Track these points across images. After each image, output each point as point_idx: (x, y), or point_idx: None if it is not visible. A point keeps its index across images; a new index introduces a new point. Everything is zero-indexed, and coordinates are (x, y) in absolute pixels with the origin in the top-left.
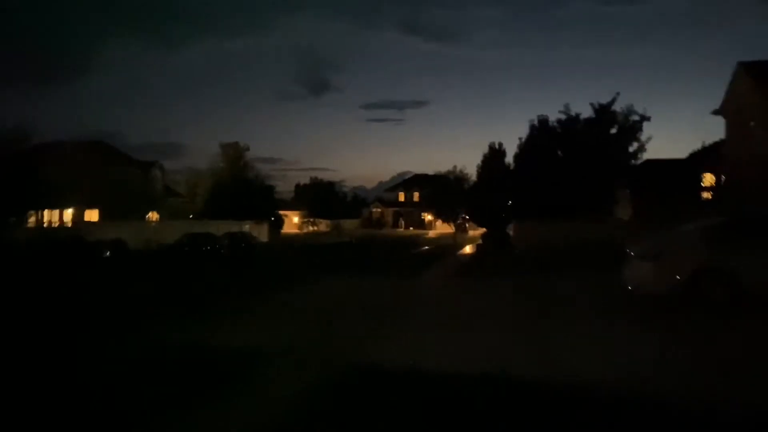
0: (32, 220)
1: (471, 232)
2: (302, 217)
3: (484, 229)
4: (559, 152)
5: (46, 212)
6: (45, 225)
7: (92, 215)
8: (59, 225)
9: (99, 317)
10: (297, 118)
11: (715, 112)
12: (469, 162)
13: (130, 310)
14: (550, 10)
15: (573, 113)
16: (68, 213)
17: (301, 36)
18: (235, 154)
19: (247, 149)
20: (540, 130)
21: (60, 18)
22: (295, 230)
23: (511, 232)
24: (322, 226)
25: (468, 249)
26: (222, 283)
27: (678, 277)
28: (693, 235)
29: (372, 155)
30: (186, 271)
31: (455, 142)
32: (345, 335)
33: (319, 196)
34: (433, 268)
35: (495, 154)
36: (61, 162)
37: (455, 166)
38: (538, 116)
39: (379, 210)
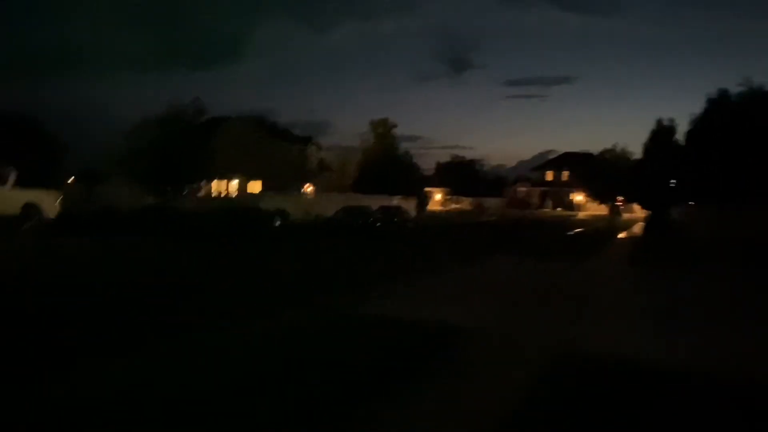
0: (205, 189)
1: (626, 215)
2: (444, 194)
3: (639, 212)
4: (743, 129)
5: (214, 183)
6: (214, 195)
7: (253, 186)
8: (226, 195)
9: (301, 284)
10: (438, 97)
11: None
12: (620, 141)
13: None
14: None
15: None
16: (233, 184)
17: (444, 15)
18: (383, 130)
19: (395, 126)
20: (718, 104)
21: (219, 3)
22: (437, 207)
23: (679, 217)
24: (465, 204)
25: (629, 233)
26: (392, 258)
27: None
28: None
29: (513, 133)
30: (353, 243)
31: (604, 120)
32: (538, 317)
33: (461, 174)
34: (598, 253)
35: (663, 131)
36: (228, 136)
37: (615, 144)
38: (719, 90)
39: (524, 189)
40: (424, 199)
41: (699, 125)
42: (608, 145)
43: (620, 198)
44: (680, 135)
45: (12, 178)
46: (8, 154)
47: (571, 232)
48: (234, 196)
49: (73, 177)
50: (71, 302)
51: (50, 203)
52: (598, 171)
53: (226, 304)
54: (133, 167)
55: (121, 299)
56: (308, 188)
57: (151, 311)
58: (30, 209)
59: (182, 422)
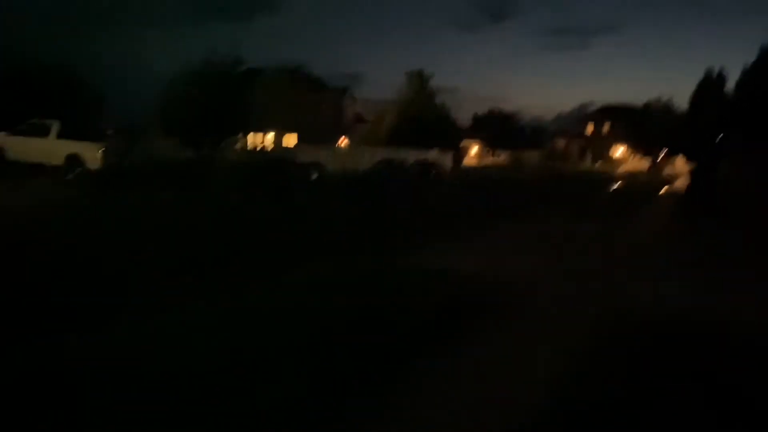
0: (241, 142)
1: (669, 169)
2: (481, 147)
3: (683, 166)
4: None
5: (250, 135)
6: (250, 148)
7: (288, 139)
8: (262, 148)
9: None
10: (475, 47)
11: None
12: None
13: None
14: None
15: None
16: (268, 137)
17: None
18: (420, 82)
19: (432, 77)
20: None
21: None
22: (474, 161)
23: (726, 171)
24: (502, 157)
25: (672, 188)
26: (435, 210)
27: None
28: None
29: (552, 85)
30: (393, 195)
31: (648, 71)
32: (597, 275)
33: (498, 127)
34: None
35: (712, 81)
36: (264, 88)
37: (659, 96)
38: None
39: (563, 142)
40: (461, 152)
41: (751, 75)
42: (652, 98)
43: (664, 152)
44: (731, 86)
45: (55, 129)
46: (51, 105)
47: (613, 187)
48: (270, 149)
49: (113, 129)
50: (125, 251)
51: (92, 155)
52: (641, 124)
53: (277, 256)
54: (171, 120)
55: (179, 249)
56: (343, 141)
57: (215, 261)
58: (73, 160)
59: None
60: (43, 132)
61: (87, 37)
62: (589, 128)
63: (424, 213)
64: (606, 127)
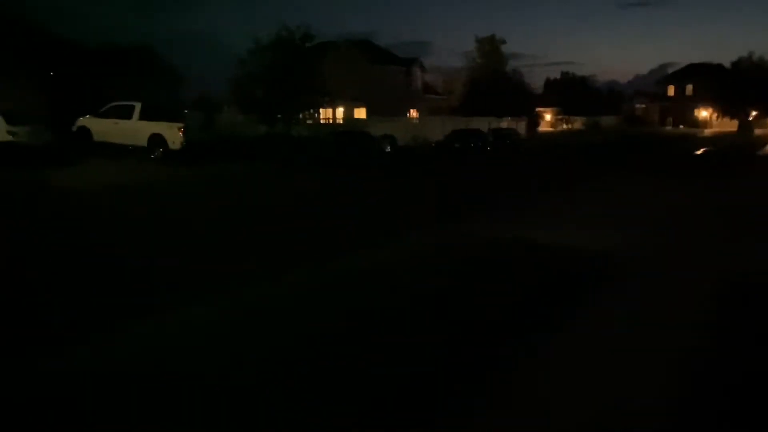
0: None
1: (759, 130)
2: (555, 114)
3: None
4: None
5: (322, 109)
6: (323, 121)
7: (359, 112)
8: (334, 121)
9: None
10: (545, 9)
11: None
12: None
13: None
14: None
15: None
16: (340, 110)
17: None
18: (491, 48)
19: (503, 42)
20: None
21: None
22: (548, 128)
23: None
24: (578, 123)
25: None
26: (511, 181)
27: None
28: None
29: (628, 45)
30: (467, 166)
31: (734, 27)
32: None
33: (572, 92)
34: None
35: None
36: (335, 61)
37: (751, 52)
38: None
39: (642, 106)
40: (535, 119)
41: None
42: (740, 55)
43: (753, 112)
44: None
45: (137, 111)
46: (131, 87)
47: (698, 152)
48: (342, 122)
49: (187, 109)
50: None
51: (173, 135)
52: (728, 83)
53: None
54: (246, 95)
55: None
56: (414, 112)
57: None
58: (156, 140)
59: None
60: (127, 114)
61: (161, 16)
62: (670, 90)
63: (502, 182)
64: (689, 88)
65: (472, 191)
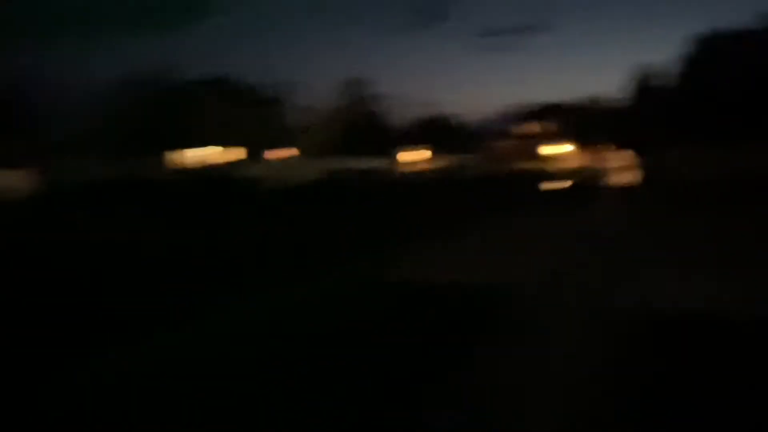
0: (173, 158)
1: (613, 162)
2: (422, 152)
3: (627, 159)
4: (719, 71)
5: (183, 152)
6: (183, 165)
7: (228, 154)
8: (199, 164)
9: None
10: (410, 51)
11: None
12: (603, 87)
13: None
14: None
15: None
16: (203, 152)
17: None
18: (356, 90)
19: (369, 84)
20: (703, 46)
21: None
22: (416, 166)
23: (670, 160)
24: (444, 161)
25: (618, 179)
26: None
27: None
28: None
29: (489, 86)
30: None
31: (582, 69)
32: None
33: (438, 131)
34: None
35: (650, 74)
36: (194, 102)
37: (596, 93)
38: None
39: (503, 143)
40: (403, 158)
41: (688, 67)
42: (588, 94)
43: (606, 146)
44: (666, 78)
45: None
46: None
47: (557, 185)
48: (207, 165)
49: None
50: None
51: (11, 183)
52: (581, 120)
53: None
54: (100, 138)
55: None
56: (281, 153)
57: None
58: None
59: None
60: None
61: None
62: (529, 127)
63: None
64: (546, 125)
65: (348, 233)
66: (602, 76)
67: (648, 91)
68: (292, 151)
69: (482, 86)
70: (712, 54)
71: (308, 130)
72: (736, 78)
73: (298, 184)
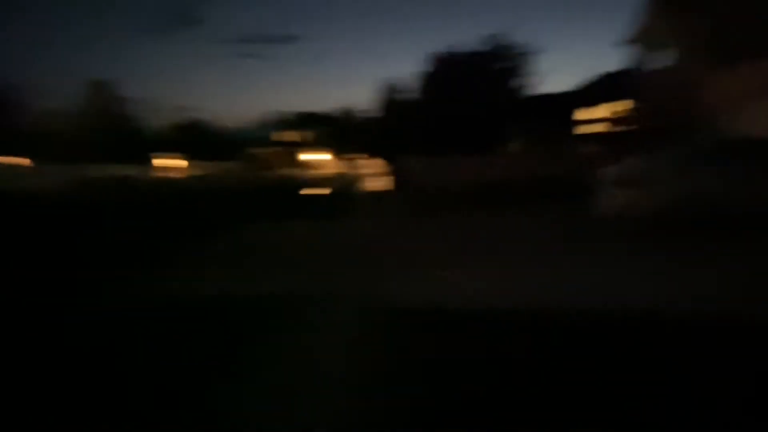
0: None
1: (368, 170)
2: (179, 160)
3: (380, 167)
4: (453, 87)
5: None
6: None
7: None
8: None
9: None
10: (164, 54)
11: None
12: (355, 99)
13: None
14: None
15: (465, 48)
16: None
17: None
18: (103, 93)
19: (116, 87)
20: (437, 63)
21: None
22: (172, 174)
23: (415, 168)
24: (203, 168)
25: (373, 186)
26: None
27: (659, 202)
28: (675, 161)
29: (246, 93)
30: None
31: (339, 81)
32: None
33: (195, 138)
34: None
35: (394, 88)
36: None
37: (348, 105)
38: (443, 50)
39: (262, 151)
40: (159, 165)
41: (425, 82)
42: (343, 104)
43: (359, 155)
44: (408, 93)
45: None
46: None
47: (317, 191)
48: None
49: None
50: None
51: None
52: (335, 130)
53: None
54: None
55: None
56: (22, 160)
57: None
58: None
59: None
60: None
61: None
62: (287, 135)
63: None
64: (303, 134)
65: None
66: (355, 88)
67: (393, 104)
68: (21, 160)
69: (240, 93)
70: (444, 71)
71: (50, 136)
72: (463, 94)
73: (31, 195)
